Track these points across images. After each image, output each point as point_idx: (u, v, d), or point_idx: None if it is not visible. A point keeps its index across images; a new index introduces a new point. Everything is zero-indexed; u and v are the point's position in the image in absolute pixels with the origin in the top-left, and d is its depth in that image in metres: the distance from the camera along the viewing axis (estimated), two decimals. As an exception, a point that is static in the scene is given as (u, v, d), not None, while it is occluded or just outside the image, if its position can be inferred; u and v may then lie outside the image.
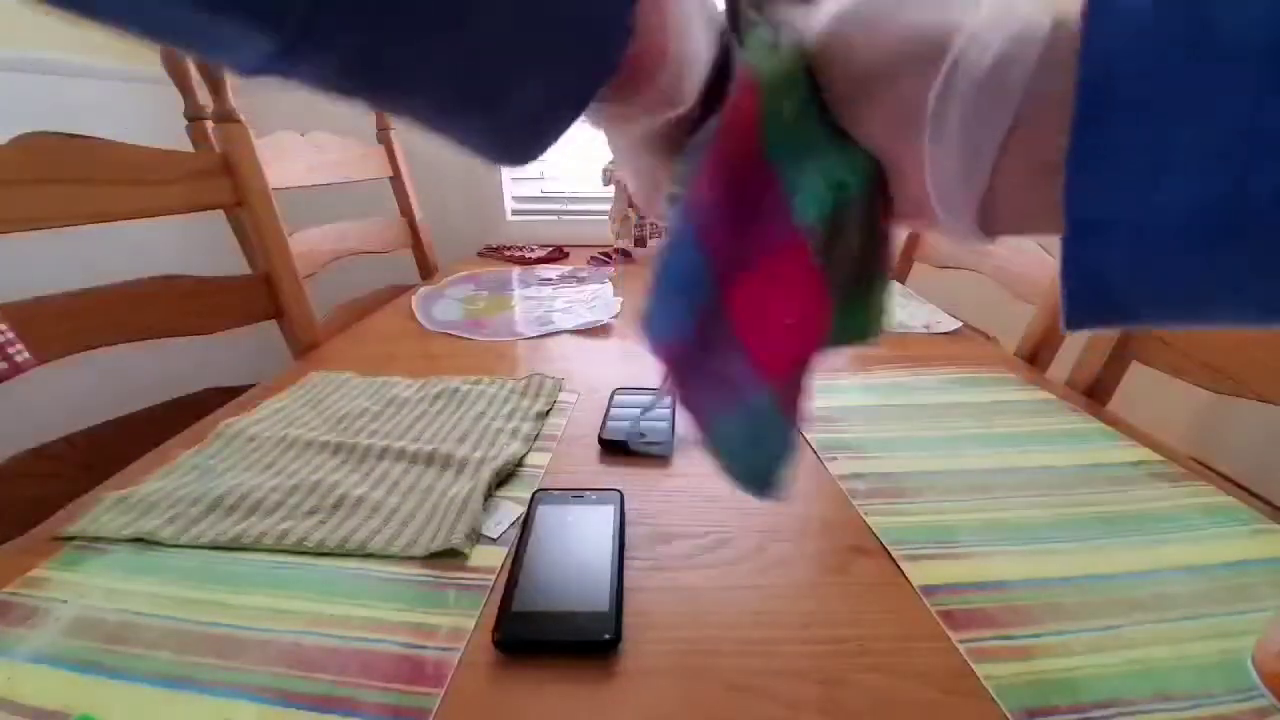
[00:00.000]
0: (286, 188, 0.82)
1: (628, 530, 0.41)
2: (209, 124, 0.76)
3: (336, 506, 0.43)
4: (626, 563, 0.38)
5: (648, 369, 0.69)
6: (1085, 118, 0.15)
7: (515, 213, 1.61)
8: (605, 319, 0.86)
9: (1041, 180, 0.16)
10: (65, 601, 0.35)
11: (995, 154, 0.17)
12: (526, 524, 0.41)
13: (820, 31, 0.20)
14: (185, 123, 0.79)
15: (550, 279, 1.12)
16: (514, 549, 0.39)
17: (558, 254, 1.34)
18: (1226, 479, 0.49)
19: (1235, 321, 0.17)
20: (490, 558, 0.39)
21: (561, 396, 0.61)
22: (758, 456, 0.23)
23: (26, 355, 0.55)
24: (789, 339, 0.21)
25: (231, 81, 0.73)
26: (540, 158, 0.19)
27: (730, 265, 0.21)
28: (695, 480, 0.48)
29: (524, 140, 0.19)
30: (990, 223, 0.19)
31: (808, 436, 0.54)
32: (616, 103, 0.20)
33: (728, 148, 0.20)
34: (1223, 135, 0.14)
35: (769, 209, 0.20)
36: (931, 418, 0.58)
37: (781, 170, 0.20)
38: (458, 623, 0.34)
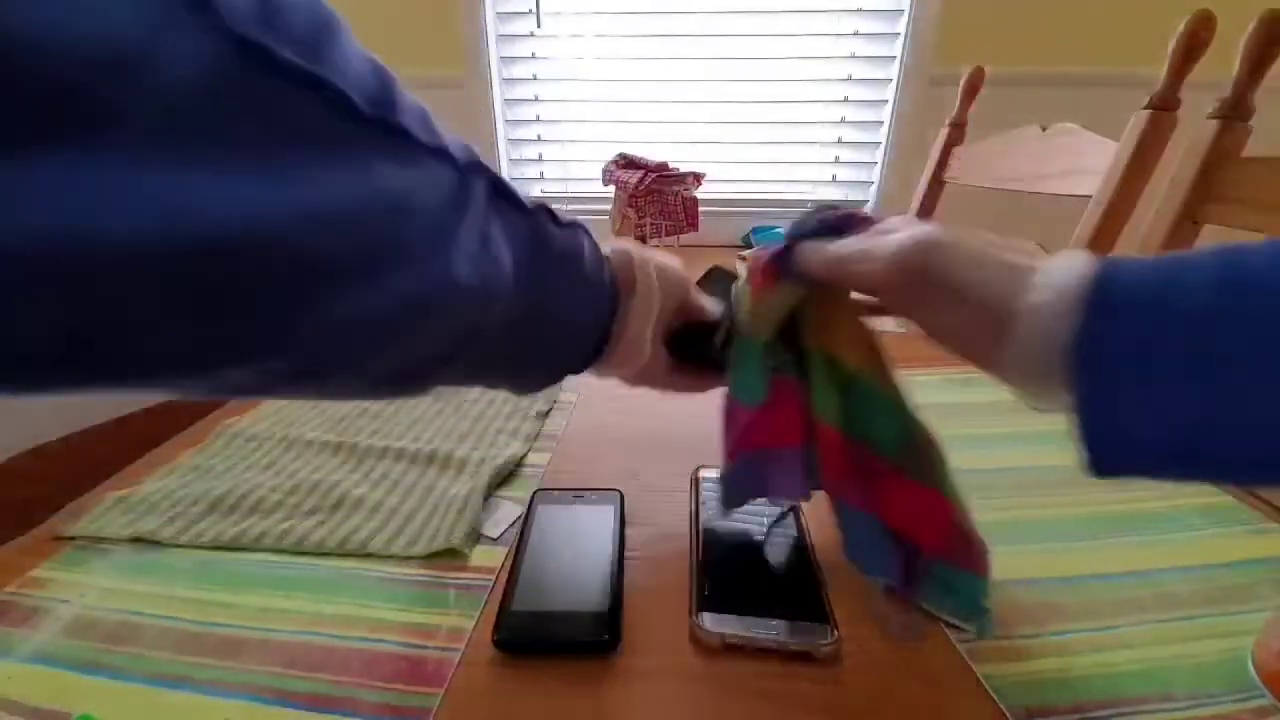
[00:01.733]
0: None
1: (628, 530, 0.41)
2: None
3: (336, 506, 0.43)
4: (626, 563, 0.38)
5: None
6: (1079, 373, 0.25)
7: (515, 213, 1.60)
8: (605, 319, 0.86)
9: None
10: (65, 601, 0.35)
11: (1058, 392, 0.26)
12: (526, 524, 0.41)
13: (890, 270, 0.28)
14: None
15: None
16: (514, 549, 0.39)
17: (558, 254, 1.34)
18: (1226, 479, 0.49)
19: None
20: (490, 558, 0.39)
21: (561, 396, 0.61)
22: (958, 601, 0.32)
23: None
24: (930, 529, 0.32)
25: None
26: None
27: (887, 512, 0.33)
28: (695, 480, 0.48)
29: (538, 387, 0.37)
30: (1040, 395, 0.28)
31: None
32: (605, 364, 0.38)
33: (830, 459, 0.34)
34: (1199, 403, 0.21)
35: (880, 471, 0.33)
36: (932, 418, 0.58)
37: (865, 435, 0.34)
38: (458, 623, 0.34)
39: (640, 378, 0.41)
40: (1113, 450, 0.24)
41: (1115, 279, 0.22)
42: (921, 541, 0.31)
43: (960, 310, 0.27)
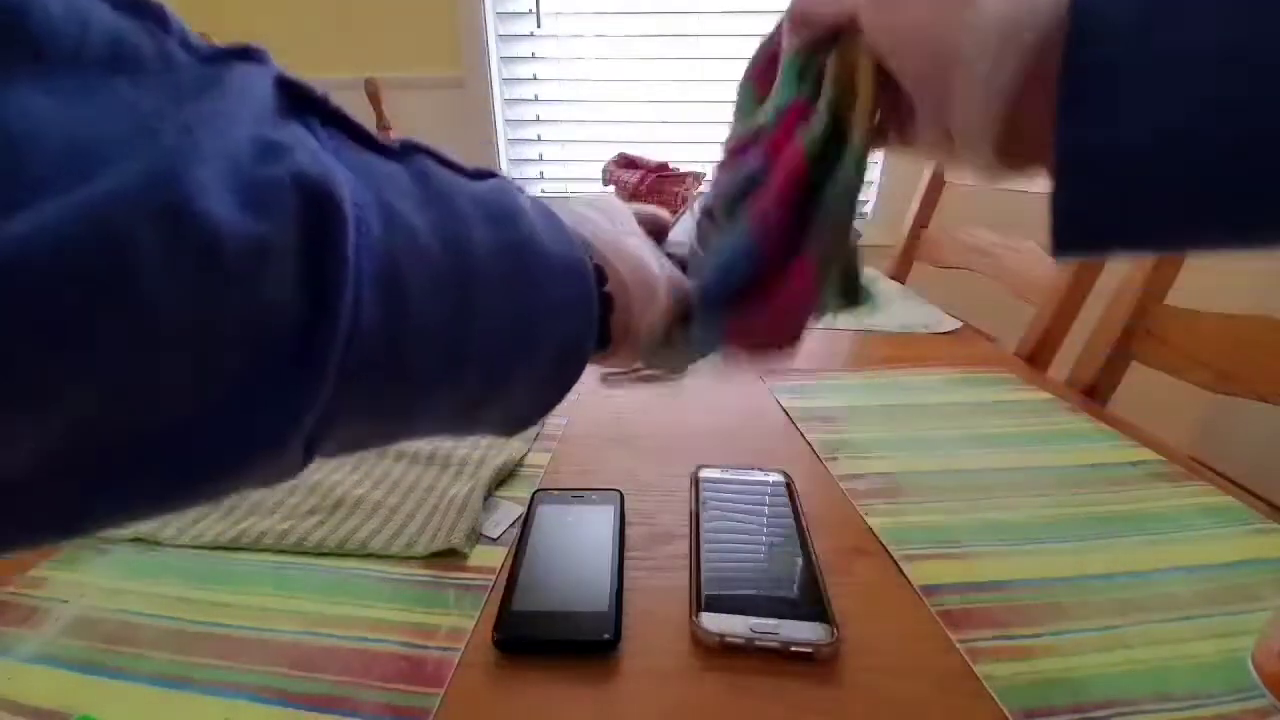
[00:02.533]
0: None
1: (628, 530, 0.41)
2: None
3: (336, 506, 0.43)
4: (626, 563, 0.38)
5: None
6: (1071, 58, 0.17)
7: (515, 213, 1.60)
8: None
9: (1047, 114, 0.18)
10: (65, 601, 0.35)
11: (1013, 90, 0.19)
12: (526, 524, 0.41)
13: None
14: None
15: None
16: (514, 549, 0.39)
17: (558, 254, 1.34)
18: (1226, 479, 0.49)
19: (1219, 247, 0.19)
20: (490, 558, 0.39)
21: (561, 396, 0.61)
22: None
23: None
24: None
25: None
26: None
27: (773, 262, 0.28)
28: (695, 480, 0.48)
29: (535, 410, 0.28)
30: (1006, 155, 0.21)
31: (808, 437, 0.54)
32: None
33: (786, 187, 0.26)
34: (1192, 74, 0.16)
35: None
36: (931, 418, 0.58)
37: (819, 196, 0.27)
38: (458, 623, 0.34)
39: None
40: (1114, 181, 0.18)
41: None
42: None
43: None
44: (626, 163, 1.30)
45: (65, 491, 0.13)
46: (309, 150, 0.15)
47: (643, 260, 0.29)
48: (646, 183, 1.25)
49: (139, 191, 0.11)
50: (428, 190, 0.19)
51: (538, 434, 0.54)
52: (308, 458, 0.18)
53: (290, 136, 0.15)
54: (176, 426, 0.14)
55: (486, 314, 0.20)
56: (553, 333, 0.24)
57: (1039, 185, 0.19)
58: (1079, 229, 0.19)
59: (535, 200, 0.25)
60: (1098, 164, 0.18)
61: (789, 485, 0.45)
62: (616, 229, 0.30)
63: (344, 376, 0.16)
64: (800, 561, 0.37)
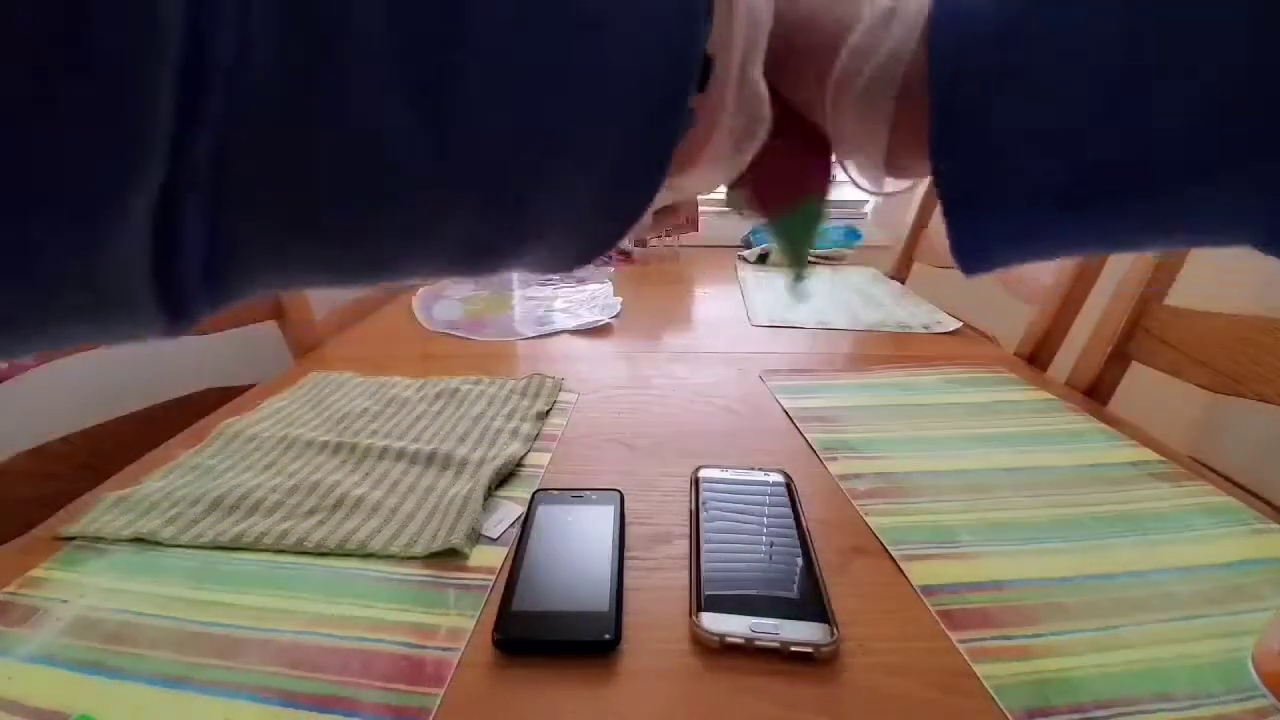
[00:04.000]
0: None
1: (628, 530, 0.41)
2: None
3: (336, 506, 0.43)
4: (626, 563, 0.38)
5: (647, 370, 0.70)
6: (938, 114, 0.17)
7: (515, 213, 1.60)
8: (605, 319, 0.86)
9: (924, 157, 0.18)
10: (65, 601, 0.35)
11: (885, 135, 0.19)
12: (526, 524, 0.41)
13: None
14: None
15: (550, 278, 1.12)
16: (514, 549, 0.39)
17: (558, 254, 1.34)
18: (1226, 479, 0.49)
19: (1118, 249, 0.20)
20: (490, 558, 0.39)
21: (561, 396, 0.61)
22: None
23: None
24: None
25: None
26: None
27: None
28: (695, 480, 0.48)
29: (592, 247, 0.18)
30: (896, 172, 0.21)
31: (808, 437, 0.54)
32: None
33: None
34: (1058, 116, 0.16)
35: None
36: (931, 418, 0.58)
37: None
38: (458, 623, 0.34)
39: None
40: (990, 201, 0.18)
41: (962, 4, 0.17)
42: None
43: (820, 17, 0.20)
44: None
45: None
46: None
47: None
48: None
49: None
50: None
51: (538, 434, 0.54)
52: (206, 283, 0.12)
53: None
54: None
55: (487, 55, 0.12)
56: (621, 122, 0.14)
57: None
58: (977, 254, 0.20)
59: None
60: (976, 196, 0.18)
61: (789, 485, 0.45)
62: None
63: (226, 146, 0.11)
64: (800, 561, 0.37)
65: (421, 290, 1.02)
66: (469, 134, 0.13)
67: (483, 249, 0.15)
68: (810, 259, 0.28)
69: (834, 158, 0.24)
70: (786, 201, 0.26)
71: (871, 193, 0.22)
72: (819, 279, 1.12)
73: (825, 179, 0.25)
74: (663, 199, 0.17)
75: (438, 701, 0.29)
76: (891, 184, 0.22)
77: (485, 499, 0.44)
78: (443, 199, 0.13)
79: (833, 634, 0.32)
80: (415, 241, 0.14)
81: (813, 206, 0.26)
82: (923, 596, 0.36)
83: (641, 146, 0.15)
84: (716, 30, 0.15)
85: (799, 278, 0.28)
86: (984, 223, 0.19)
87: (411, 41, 0.11)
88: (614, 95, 0.13)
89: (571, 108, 0.13)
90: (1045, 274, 0.81)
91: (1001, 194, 0.18)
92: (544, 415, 0.57)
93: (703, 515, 0.42)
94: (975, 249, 0.20)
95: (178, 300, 0.12)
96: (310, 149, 0.11)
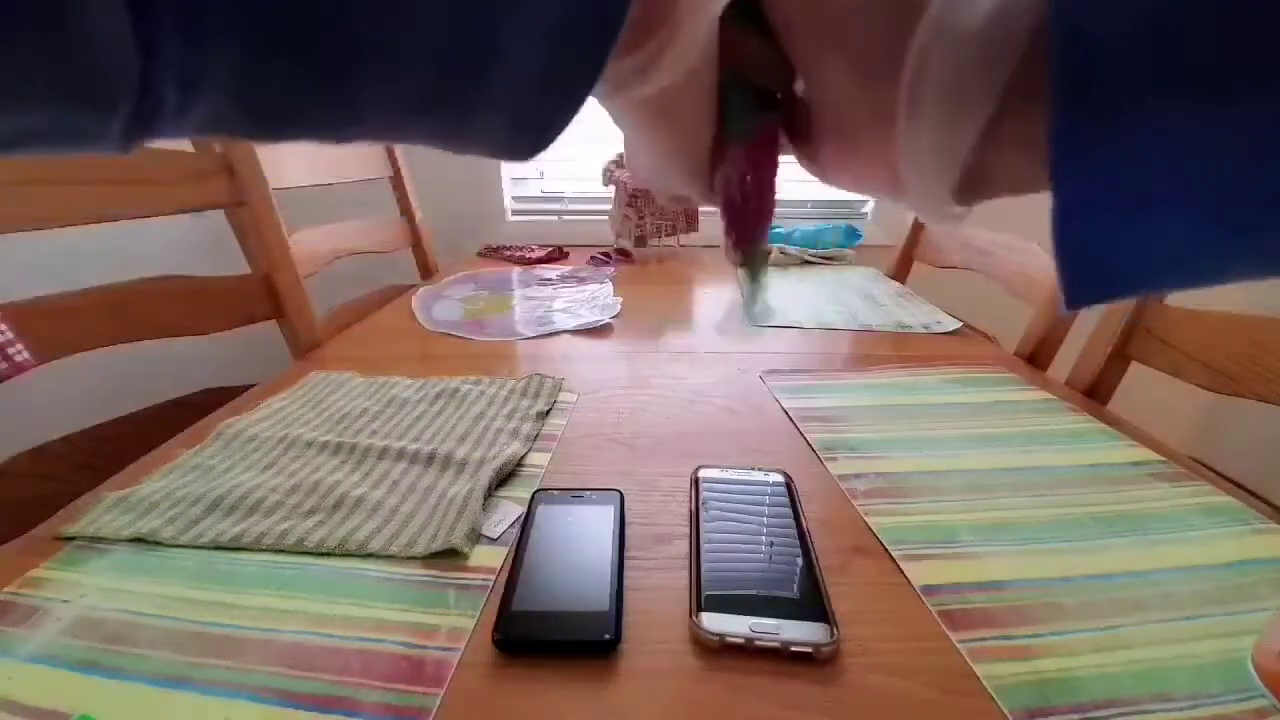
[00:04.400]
0: (286, 188, 0.82)
1: (628, 530, 0.41)
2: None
3: (336, 506, 0.43)
4: (626, 563, 0.38)
5: (646, 369, 0.70)
6: (1062, 93, 0.13)
7: (515, 213, 1.61)
8: (605, 319, 0.86)
9: (1031, 154, 0.14)
10: (65, 601, 0.35)
11: (982, 128, 0.15)
12: (526, 524, 0.41)
13: None
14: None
15: (550, 279, 1.12)
16: (514, 549, 0.39)
17: (558, 254, 1.35)
18: (1226, 479, 0.49)
19: (1247, 278, 0.15)
20: (490, 558, 0.39)
21: (561, 396, 0.61)
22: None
23: (26, 355, 0.55)
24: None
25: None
26: (554, 141, 0.16)
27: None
28: (695, 480, 0.48)
29: (533, 121, 0.15)
30: (968, 195, 0.17)
31: (808, 437, 0.54)
32: (633, 46, 0.16)
33: None
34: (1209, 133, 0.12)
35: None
36: (931, 418, 0.58)
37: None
38: (458, 623, 0.34)
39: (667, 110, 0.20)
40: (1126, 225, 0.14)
41: None
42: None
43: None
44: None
45: None
46: None
47: None
48: (646, 183, 1.25)
49: None
50: None
51: (538, 434, 0.54)
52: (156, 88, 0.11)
53: None
54: None
55: None
56: None
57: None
58: (1099, 272, 0.15)
59: None
60: (1113, 197, 0.14)
61: (789, 485, 0.45)
62: None
63: None
64: (800, 561, 0.37)
65: (421, 290, 1.02)
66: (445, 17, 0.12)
67: (447, 82, 0.14)
68: (763, 287, 0.28)
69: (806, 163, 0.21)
70: (758, 228, 0.26)
71: (930, 218, 0.18)
72: (820, 279, 1.12)
73: (771, 214, 0.25)
74: (635, 86, 0.17)
75: (438, 701, 0.29)
76: (950, 210, 0.17)
77: (485, 499, 0.44)
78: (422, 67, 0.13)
79: (833, 634, 0.32)
80: (385, 42, 0.13)
81: (764, 240, 0.27)
82: (923, 596, 0.36)
83: (597, 19, 0.14)
84: None
85: (756, 303, 0.29)
86: (1108, 228, 0.14)
87: None
88: None
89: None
90: (1045, 274, 0.81)
91: (1147, 180, 0.13)
92: (544, 415, 0.57)
93: (703, 515, 0.42)
94: (1090, 261, 0.15)
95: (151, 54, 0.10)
96: None
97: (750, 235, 0.26)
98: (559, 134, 0.16)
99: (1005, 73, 0.14)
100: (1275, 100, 0.12)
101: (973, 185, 0.16)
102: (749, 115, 0.22)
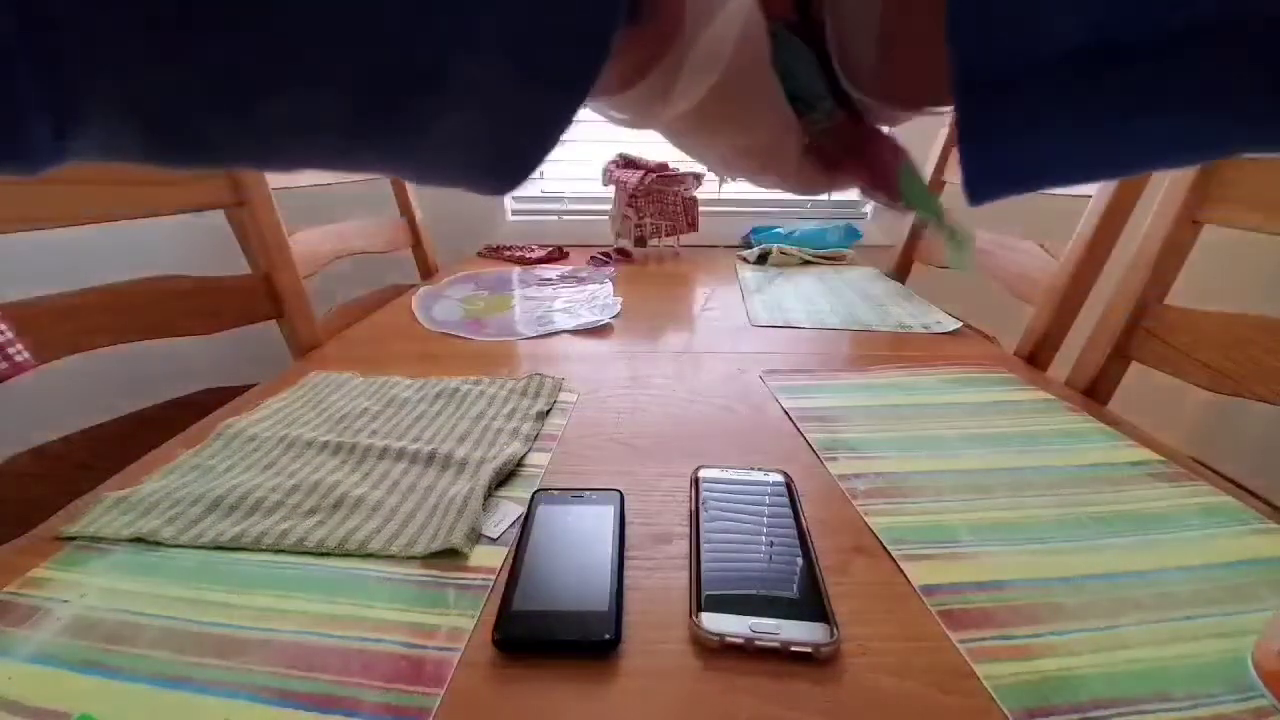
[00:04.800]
0: (286, 188, 0.82)
1: (628, 530, 0.41)
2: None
3: (336, 506, 0.43)
4: (626, 563, 0.38)
5: (646, 369, 0.70)
6: None
7: (515, 213, 1.61)
8: (605, 319, 0.86)
9: (931, 47, 0.15)
10: (65, 601, 0.35)
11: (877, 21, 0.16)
12: (526, 524, 0.41)
13: None
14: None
15: (550, 279, 1.12)
16: (514, 549, 0.39)
17: (558, 254, 1.35)
18: (1226, 479, 0.49)
19: (1147, 164, 0.16)
20: (490, 558, 0.39)
21: (561, 396, 0.61)
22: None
23: (26, 355, 0.55)
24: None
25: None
26: (542, 162, 0.15)
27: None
28: (695, 480, 0.48)
29: (517, 147, 0.14)
30: (893, 92, 0.18)
31: (808, 437, 0.54)
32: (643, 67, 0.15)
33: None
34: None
35: None
36: (931, 418, 0.58)
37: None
38: (458, 623, 0.34)
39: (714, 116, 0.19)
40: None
41: None
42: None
43: None
44: (626, 163, 1.30)
45: None
46: None
47: None
48: (646, 182, 1.25)
49: None
50: None
51: (538, 434, 0.54)
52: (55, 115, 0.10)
53: None
54: None
55: None
56: None
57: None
58: (999, 167, 0.16)
59: None
60: (1009, 81, 0.14)
61: (789, 485, 0.45)
62: None
63: None
64: (800, 561, 0.37)
65: (421, 290, 1.02)
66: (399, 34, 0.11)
67: (390, 87, 0.12)
68: (938, 205, 0.27)
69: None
70: (888, 169, 0.25)
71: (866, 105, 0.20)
72: (820, 279, 1.12)
73: (892, 147, 0.25)
74: (615, 110, 0.16)
75: (438, 701, 0.29)
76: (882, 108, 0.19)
77: (485, 499, 0.44)
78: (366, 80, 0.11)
79: (833, 634, 0.32)
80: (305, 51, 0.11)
81: (906, 175, 0.25)
82: (923, 596, 0.36)
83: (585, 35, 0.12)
84: None
85: (950, 236, 0.27)
86: (1004, 114, 0.15)
87: None
88: None
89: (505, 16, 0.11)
90: (1045, 274, 0.81)
91: (1026, 66, 0.14)
92: (544, 415, 0.57)
93: (703, 515, 0.42)
94: (992, 158, 0.15)
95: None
96: None
97: (890, 175, 0.25)
98: (535, 169, 0.15)
99: None
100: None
101: (893, 87, 0.18)
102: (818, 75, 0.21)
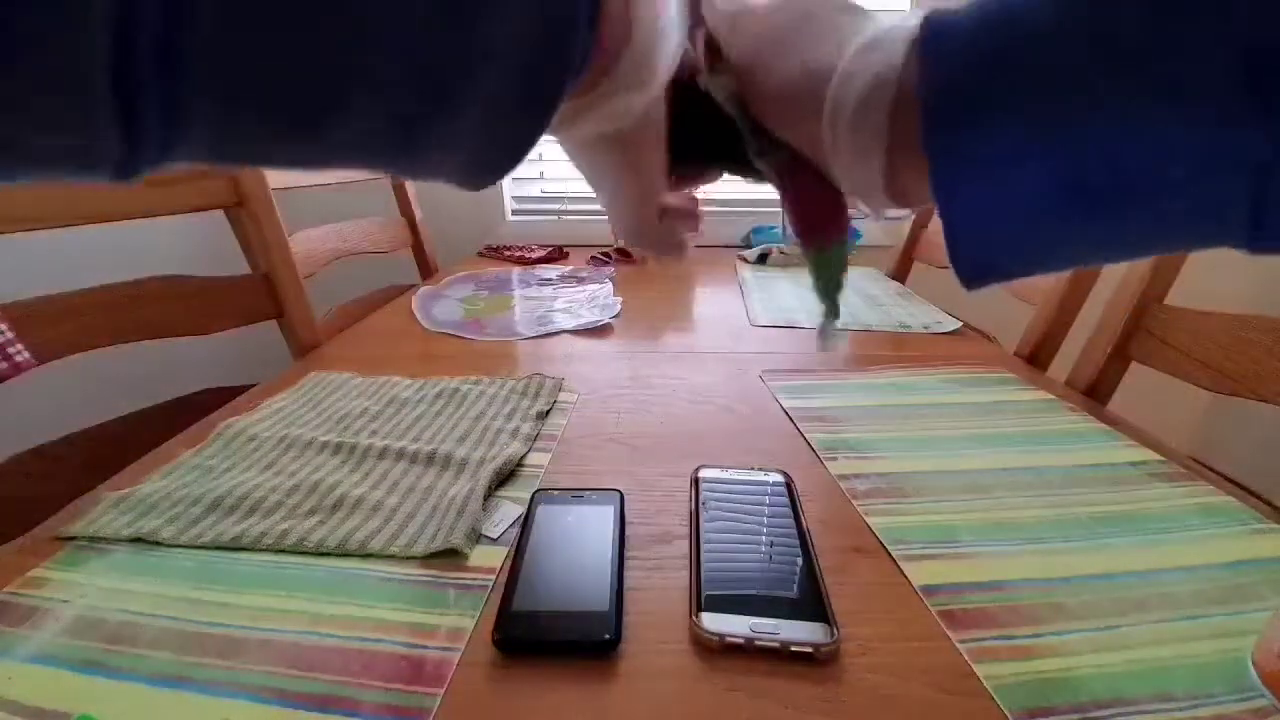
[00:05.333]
0: (286, 188, 0.82)
1: (628, 530, 0.41)
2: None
3: (336, 506, 0.43)
4: (626, 563, 0.38)
5: (646, 369, 0.70)
6: (930, 131, 0.18)
7: (515, 213, 1.61)
8: (605, 319, 0.86)
9: (924, 174, 0.19)
10: (65, 601, 0.35)
11: (882, 167, 0.20)
12: (526, 524, 0.41)
13: (738, 64, 0.23)
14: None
15: (550, 279, 1.12)
16: (514, 549, 0.39)
17: (558, 254, 1.35)
18: (1226, 479, 0.49)
19: (1109, 259, 0.21)
20: (490, 558, 0.39)
21: (561, 396, 0.61)
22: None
23: (26, 355, 0.55)
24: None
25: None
26: (512, 170, 0.18)
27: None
28: (695, 480, 0.48)
29: (497, 157, 0.18)
30: (900, 200, 0.22)
31: (808, 437, 0.54)
32: (579, 93, 0.19)
33: None
34: (1044, 132, 0.17)
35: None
36: (931, 418, 0.58)
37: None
38: (458, 623, 0.34)
39: (617, 148, 0.25)
40: (987, 223, 0.19)
41: (945, 18, 0.18)
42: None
43: (794, 75, 0.22)
44: (626, 163, 1.30)
45: None
46: None
47: None
48: (646, 183, 1.25)
49: None
50: None
51: (538, 434, 0.54)
52: (149, 135, 0.12)
53: None
54: None
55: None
56: (513, 35, 0.15)
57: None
58: (981, 270, 0.20)
59: None
60: (982, 226, 0.19)
61: (789, 485, 0.45)
62: None
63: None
64: (800, 561, 0.37)
65: (421, 290, 1.02)
66: (407, 79, 0.15)
67: (411, 123, 0.16)
68: (837, 302, 0.28)
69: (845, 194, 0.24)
70: (817, 233, 0.27)
71: (877, 218, 0.23)
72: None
73: (844, 218, 0.26)
74: (603, 110, 0.20)
75: (438, 701, 0.29)
76: (894, 211, 0.23)
77: (485, 499, 0.44)
78: (388, 114, 0.15)
79: (833, 634, 0.32)
80: (378, 143, 0.15)
81: (837, 247, 0.27)
82: (923, 596, 0.36)
83: (548, 72, 0.16)
84: None
85: (828, 318, 0.28)
86: (985, 219, 0.19)
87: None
88: (514, 43, 0.16)
89: (487, 60, 0.15)
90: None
91: (1000, 179, 0.18)
92: (544, 415, 0.57)
93: (703, 515, 0.42)
94: (978, 249, 0.20)
95: (134, 114, 0.12)
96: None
97: (819, 227, 0.27)
98: (518, 164, 0.18)
99: (880, 136, 0.20)
100: (1108, 103, 0.16)
101: (898, 198, 0.22)
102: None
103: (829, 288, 0.28)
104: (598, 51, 0.18)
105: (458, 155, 0.18)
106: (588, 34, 0.17)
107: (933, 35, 0.18)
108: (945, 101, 0.18)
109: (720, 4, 0.25)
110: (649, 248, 0.29)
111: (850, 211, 0.26)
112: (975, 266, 0.20)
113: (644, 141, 0.24)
